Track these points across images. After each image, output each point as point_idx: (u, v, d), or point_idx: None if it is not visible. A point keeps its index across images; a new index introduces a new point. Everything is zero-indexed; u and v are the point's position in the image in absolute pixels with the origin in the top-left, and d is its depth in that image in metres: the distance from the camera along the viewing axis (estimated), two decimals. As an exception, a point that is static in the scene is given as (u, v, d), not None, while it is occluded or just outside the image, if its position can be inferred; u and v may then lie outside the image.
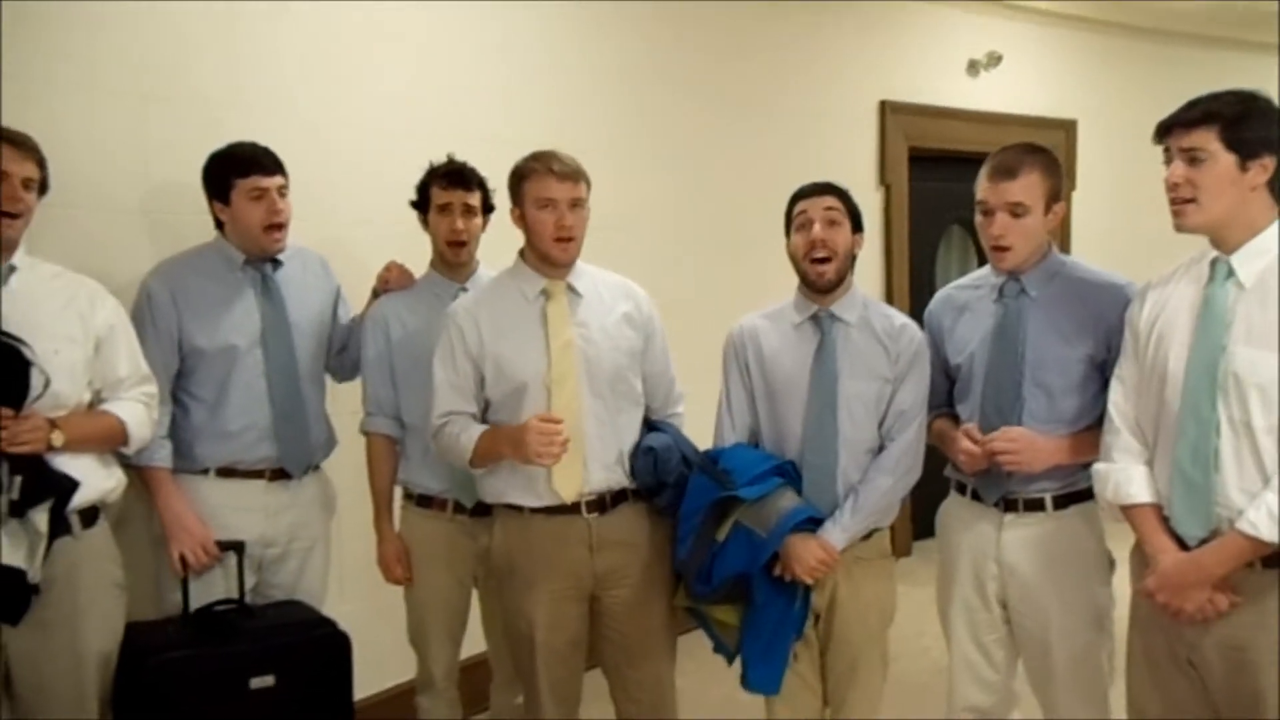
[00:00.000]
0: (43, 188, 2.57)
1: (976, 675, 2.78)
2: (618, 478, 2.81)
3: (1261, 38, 6.56)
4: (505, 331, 2.76)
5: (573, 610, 2.83)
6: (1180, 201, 2.28)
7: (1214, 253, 2.31)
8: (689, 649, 3.05)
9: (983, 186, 2.67)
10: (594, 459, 2.76)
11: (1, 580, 2.33)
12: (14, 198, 2.49)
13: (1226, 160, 2.23)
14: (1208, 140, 2.23)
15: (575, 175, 2.74)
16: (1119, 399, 2.45)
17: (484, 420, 2.80)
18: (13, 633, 2.45)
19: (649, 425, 2.90)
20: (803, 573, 2.62)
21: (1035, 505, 2.66)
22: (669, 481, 2.78)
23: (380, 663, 3.43)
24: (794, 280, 2.82)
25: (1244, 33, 6.75)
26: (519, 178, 2.77)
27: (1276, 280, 2.21)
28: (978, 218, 2.69)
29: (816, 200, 2.74)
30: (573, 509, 2.77)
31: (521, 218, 2.78)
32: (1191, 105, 2.28)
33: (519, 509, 2.79)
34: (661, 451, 2.79)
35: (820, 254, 2.70)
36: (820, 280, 2.72)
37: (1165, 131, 2.30)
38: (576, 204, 2.74)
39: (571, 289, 2.81)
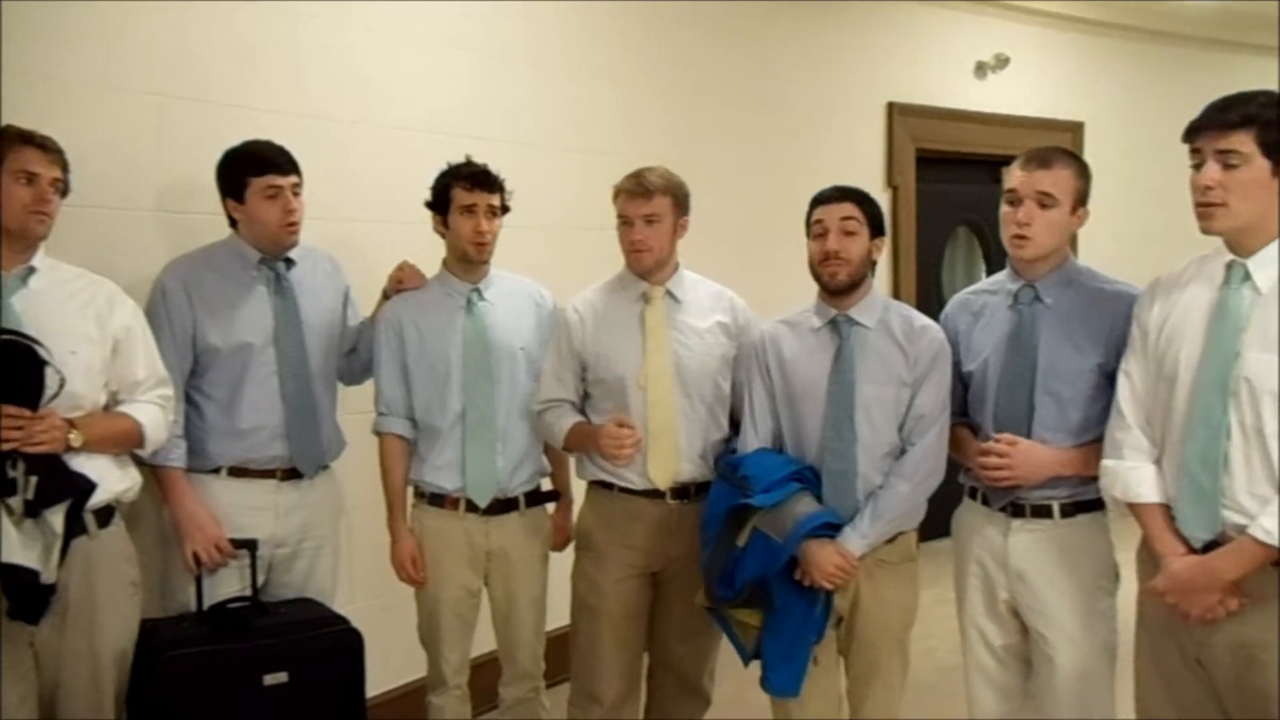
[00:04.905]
0: (65, 190, 2.57)
1: (991, 682, 2.74)
2: (703, 471, 2.98)
3: (1263, 40, 6.57)
4: (608, 331, 3.00)
5: (637, 585, 3.02)
6: (1209, 205, 2.24)
7: (1229, 255, 2.29)
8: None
9: (1014, 175, 2.66)
10: (683, 453, 2.95)
11: (15, 580, 2.33)
12: (44, 199, 2.50)
13: (1262, 164, 2.19)
14: (1244, 143, 2.19)
15: (648, 192, 2.92)
16: (1127, 395, 2.43)
17: (588, 409, 3.04)
18: (36, 631, 2.46)
19: (735, 426, 3.00)
20: (821, 578, 2.64)
21: (1043, 512, 2.64)
22: None
23: (389, 661, 3.45)
24: (804, 280, 2.82)
25: (1247, 35, 6.78)
26: (615, 197, 2.97)
27: None
28: (1003, 208, 2.67)
29: (834, 208, 2.74)
30: (659, 492, 2.97)
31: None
32: (1226, 107, 2.23)
33: (608, 487, 3.01)
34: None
35: (833, 265, 2.71)
36: (832, 281, 2.73)
37: (1195, 132, 2.26)
38: (651, 219, 2.92)
39: (671, 295, 3.00)
